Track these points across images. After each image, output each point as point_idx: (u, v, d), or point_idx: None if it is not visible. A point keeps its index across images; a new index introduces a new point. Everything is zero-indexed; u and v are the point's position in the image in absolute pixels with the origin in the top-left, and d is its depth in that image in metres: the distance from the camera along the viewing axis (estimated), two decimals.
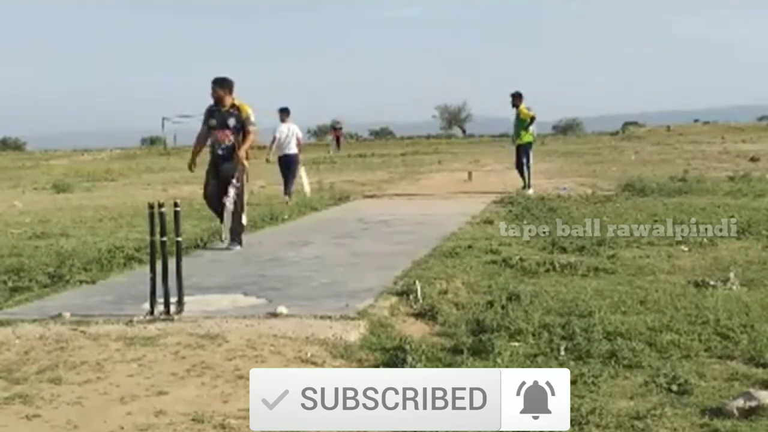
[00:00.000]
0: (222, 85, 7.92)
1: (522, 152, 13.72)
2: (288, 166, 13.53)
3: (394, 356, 4.18)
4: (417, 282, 5.58)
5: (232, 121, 7.88)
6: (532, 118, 13.63)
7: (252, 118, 7.97)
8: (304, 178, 14.01)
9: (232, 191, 7.88)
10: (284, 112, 13.82)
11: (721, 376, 3.86)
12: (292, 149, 13.63)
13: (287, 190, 13.36)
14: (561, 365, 4.00)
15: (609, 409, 3.37)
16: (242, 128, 7.91)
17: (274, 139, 13.69)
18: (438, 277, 6.04)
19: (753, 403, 3.31)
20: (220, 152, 7.95)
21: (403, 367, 4.04)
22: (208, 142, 8.16)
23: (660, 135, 43.11)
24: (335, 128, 39.17)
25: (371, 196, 14.37)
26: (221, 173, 7.96)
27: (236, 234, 7.93)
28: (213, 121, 7.95)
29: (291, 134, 13.65)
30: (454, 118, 65.85)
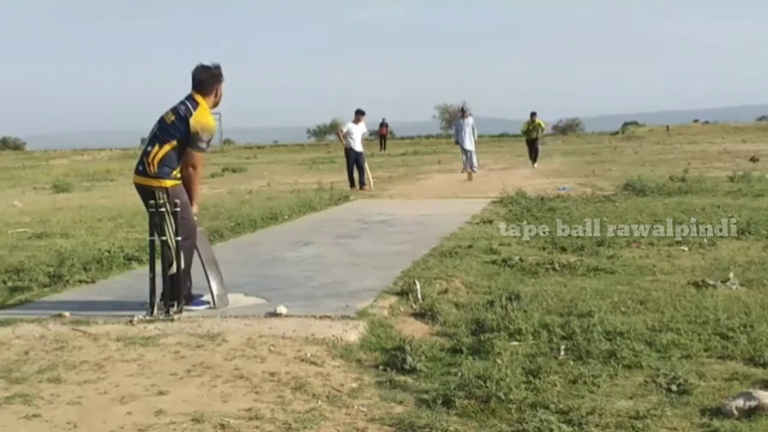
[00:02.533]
0: None
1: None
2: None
3: (394, 356, 4.19)
4: (417, 282, 5.58)
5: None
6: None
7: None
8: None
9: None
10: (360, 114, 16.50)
11: (720, 376, 3.86)
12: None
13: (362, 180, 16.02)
14: (561, 365, 4.01)
15: (609, 408, 3.37)
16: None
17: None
18: (438, 277, 6.04)
19: (753, 403, 3.31)
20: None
21: (402, 367, 4.05)
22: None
23: (660, 135, 43.15)
24: (383, 125, 39.36)
25: (371, 196, 14.38)
26: None
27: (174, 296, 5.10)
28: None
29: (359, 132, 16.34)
30: (454, 118, 66.15)
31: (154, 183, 5.00)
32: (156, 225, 4.99)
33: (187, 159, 5.07)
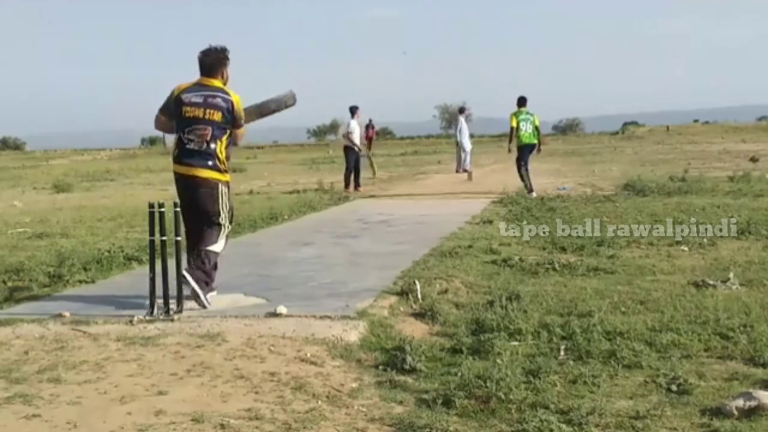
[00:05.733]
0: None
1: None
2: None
3: (394, 356, 4.18)
4: (417, 282, 5.58)
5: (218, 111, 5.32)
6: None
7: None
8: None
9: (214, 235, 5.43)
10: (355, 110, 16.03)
11: (720, 376, 3.85)
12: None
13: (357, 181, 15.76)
14: (561, 365, 4.01)
15: (608, 408, 3.37)
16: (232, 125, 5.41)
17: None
18: (438, 277, 6.03)
19: (753, 403, 3.31)
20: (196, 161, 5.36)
21: (402, 367, 4.05)
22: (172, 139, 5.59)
23: (660, 135, 43.17)
24: (370, 127, 39.33)
25: (371, 196, 14.37)
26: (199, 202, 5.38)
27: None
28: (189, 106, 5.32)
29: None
30: (454, 118, 66.13)
31: (226, 177, 5.43)
32: (215, 211, 5.36)
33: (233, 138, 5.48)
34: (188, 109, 5.28)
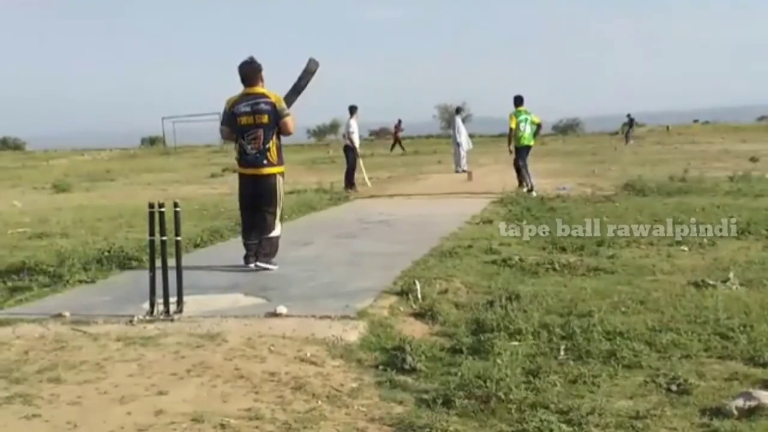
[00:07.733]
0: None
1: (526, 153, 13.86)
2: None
3: (394, 356, 4.19)
4: (417, 282, 5.58)
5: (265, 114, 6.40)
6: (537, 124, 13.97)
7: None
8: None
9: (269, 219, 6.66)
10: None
11: (720, 376, 3.86)
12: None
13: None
14: (561, 365, 4.01)
15: (608, 408, 3.37)
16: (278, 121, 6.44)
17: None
18: (438, 277, 6.04)
19: (752, 403, 3.32)
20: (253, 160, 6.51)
21: (402, 367, 4.05)
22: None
23: (660, 135, 43.14)
24: (397, 127, 39.68)
25: (371, 196, 14.36)
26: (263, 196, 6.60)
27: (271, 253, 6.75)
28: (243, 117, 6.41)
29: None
30: (453, 118, 65.91)
31: (282, 169, 6.58)
32: (274, 202, 6.56)
33: (283, 130, 6.47)
34: (241, 118, 6.33)
